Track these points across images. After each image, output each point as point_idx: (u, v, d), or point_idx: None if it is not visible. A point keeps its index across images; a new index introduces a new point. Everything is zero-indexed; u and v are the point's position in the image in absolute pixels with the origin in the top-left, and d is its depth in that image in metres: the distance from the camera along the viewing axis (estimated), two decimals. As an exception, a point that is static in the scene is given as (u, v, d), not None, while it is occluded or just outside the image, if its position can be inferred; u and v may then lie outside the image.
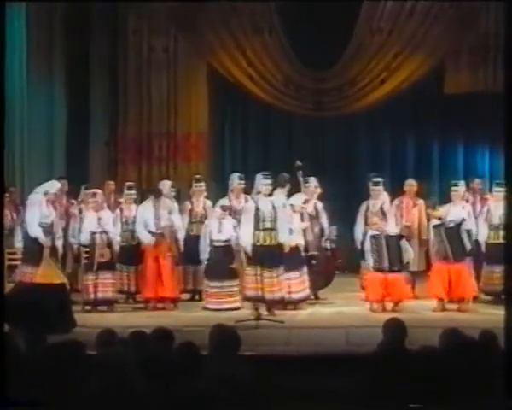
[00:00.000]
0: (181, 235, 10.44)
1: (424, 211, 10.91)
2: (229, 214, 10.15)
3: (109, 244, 9.91)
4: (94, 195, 10.12)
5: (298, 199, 10.08)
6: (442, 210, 10.05)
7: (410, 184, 11.02)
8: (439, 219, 9.95)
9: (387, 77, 13.06)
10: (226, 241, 9.94)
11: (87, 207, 10.17)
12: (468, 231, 9.82)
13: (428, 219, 10.50)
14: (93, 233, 9.85)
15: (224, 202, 10.38)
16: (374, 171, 11.65)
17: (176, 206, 10.55)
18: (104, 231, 9.88)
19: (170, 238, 10.04)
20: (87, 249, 9.90)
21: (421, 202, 11.00)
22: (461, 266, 9.65)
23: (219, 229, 10.01)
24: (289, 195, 10.10)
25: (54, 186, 9.50)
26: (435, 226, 9.88)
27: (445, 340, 5.09)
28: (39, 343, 5.14)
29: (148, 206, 10.12)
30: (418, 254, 10.64)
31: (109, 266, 9.89)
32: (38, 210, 9.13)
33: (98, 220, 9.90)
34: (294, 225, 9.76)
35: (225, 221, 10.01)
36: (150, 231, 9.95)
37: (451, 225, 9.79)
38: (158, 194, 10.16)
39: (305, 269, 9.76)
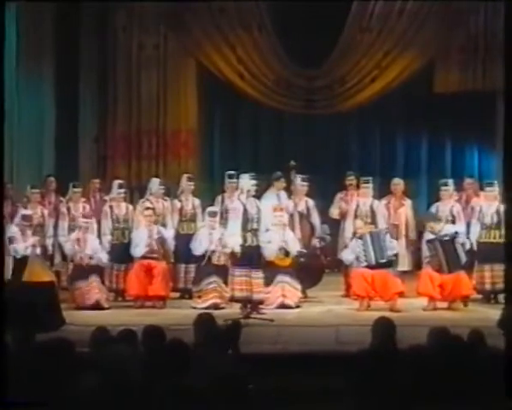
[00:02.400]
0: (171, 234, 10.44)
1: (411, 210, 10.96)
2: (221, 215, 10.15)
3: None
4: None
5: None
6: (441, 225, 9.99)
7: (397, 184, 11.06)
8: (432, 232, 9.90)
9: (378, 75, 13.07)
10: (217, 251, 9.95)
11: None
12: (463, 245, 9.83)
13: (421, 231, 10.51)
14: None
15: (212, 208, 10.37)
16: (364, 169, 11.73)
17: (166, 205, 10.62)
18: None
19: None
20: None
21: (408, 201, 11.03)
22: (455, 274, 9.62)
23: (210, 240, 9.99)
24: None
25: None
26: (429, 241, 9.83)
27: (432, 338, 5.09)
28: (28, 342, 5.12)
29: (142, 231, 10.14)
30: (406, 253, 10.67)
31: (96, 270, 9.88)
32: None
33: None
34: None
35: (215, 232, 9.98)
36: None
37: (446, 238, 9.78)
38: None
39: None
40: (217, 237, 9.87)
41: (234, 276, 9.32)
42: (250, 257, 9.26)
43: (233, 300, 9.44)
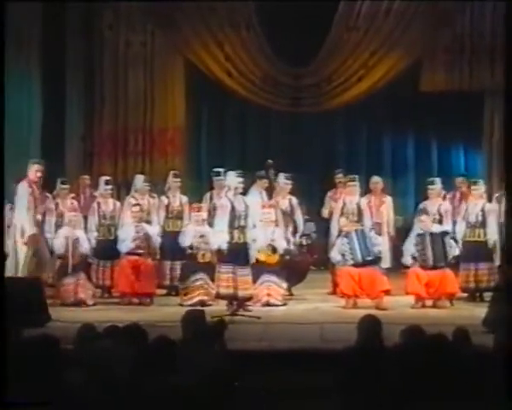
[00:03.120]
0: (156, 230, 10.44)
1: (392, 208, 11.01)
2: (209, 213, 10.17)
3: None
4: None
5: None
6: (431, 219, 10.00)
7: (376, 182, 11.10)
8: (424, 227, 9.90)
9: (364, 74, 13.11)
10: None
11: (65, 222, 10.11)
12: (453, 241, 9.85)
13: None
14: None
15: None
16: (350, 167, 11.77)
17: (153, 201, 10.63)
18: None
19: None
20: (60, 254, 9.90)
21: (388, 198, 11.08)
22: (441, 271, 9.66)
23: (195, 235, 9.97)
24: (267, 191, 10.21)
25: None
26: (419, 235, 9.84)
27: (406, 337, 5.12)
28: (13, 338, 5.10)
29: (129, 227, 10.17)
30: (387, 250, 10.70)
31: (82, 267, 9.92)
32: None
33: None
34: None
35: (199, 227, 10.00)
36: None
37: (437, 232, 9.80)
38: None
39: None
40: (200, 233, 9.89)
41: (220, 273, 9.34)
42: (236, 254, 9.27)
43: (219, 297, 9.45)
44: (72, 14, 13.06)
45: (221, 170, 10.56)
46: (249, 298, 9.43)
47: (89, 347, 4.57)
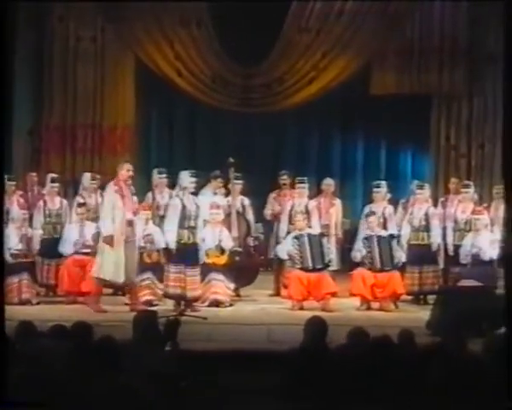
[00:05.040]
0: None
1: (341, 210, 11.08)
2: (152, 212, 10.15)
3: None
4: None
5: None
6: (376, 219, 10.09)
7: (328, 184, 11.15)
8: (371, 228, 9.97)
9: (315, 76, 13.16)
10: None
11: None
12: (399, 245, 9.95)
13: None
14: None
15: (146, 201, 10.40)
16: (300, 169, 11.81)
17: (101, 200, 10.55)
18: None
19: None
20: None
21: (338, 201, 11.15)
22: (388, 274, 9.75)
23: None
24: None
25: None
26: (366, 238, 9.92)
27: (352, 338, 5.17)
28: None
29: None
30: (335, 252, 10.77)
31: (26, 267, 9.81)
32: None
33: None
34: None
35: (150, 226, 9.98)
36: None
37: (384, 235, 9.89)
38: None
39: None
40: (146, 233, 9.85)
41: (169, 273, 9.30)
42: (185, 254, 9.25)
43: (167, 296, 9.42)
44: (22, 4, 12.83)
45: (163, 169, 10.54)
46: (197, 298, 9.41)
47: (26, 344, 4.52)
